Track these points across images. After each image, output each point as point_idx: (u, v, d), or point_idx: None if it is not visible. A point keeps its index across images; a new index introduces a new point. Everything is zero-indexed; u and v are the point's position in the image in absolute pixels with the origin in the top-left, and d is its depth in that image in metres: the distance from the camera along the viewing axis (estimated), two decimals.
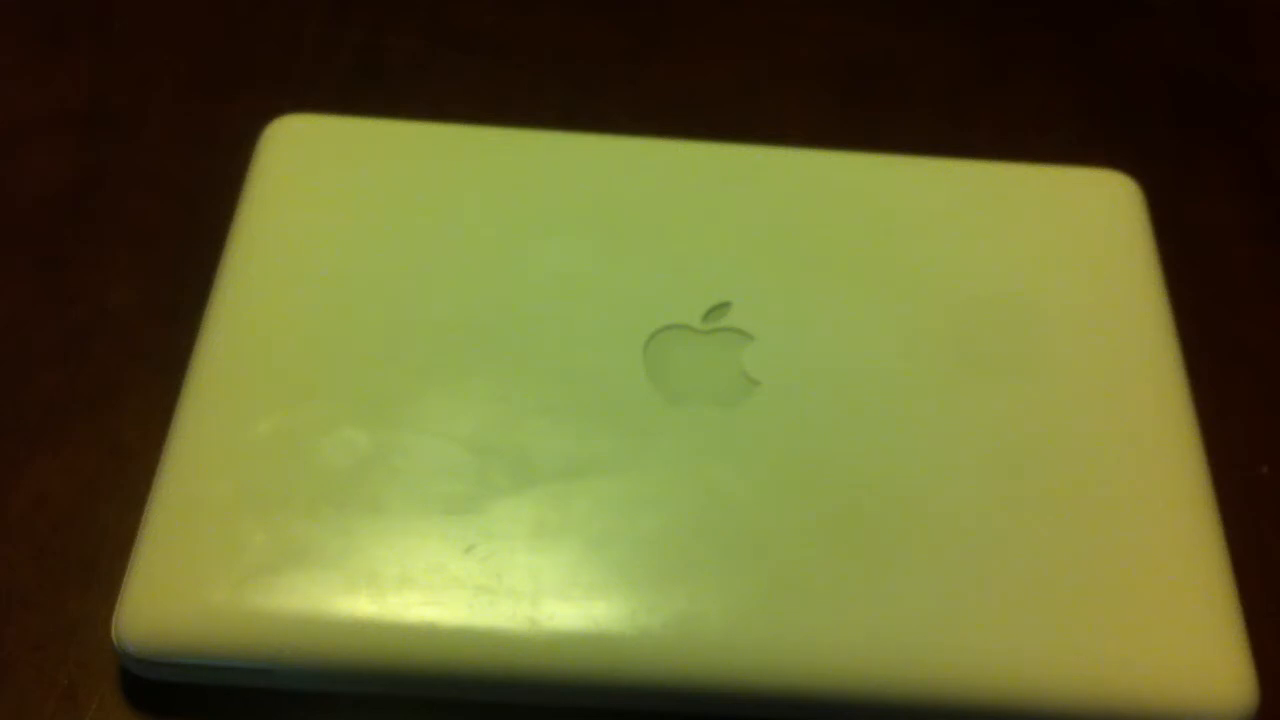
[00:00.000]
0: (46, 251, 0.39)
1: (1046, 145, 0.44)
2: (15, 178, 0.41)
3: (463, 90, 0.44)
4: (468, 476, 0.31)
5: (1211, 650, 0.30)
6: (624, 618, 0.30)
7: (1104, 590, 0.31)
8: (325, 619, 0.29)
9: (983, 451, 0.33)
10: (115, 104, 0.43)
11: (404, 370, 0.33)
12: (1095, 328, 0.35)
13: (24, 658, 0.32)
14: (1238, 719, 0.30)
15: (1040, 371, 0.34)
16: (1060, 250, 0.37)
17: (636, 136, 0.39)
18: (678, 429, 0.33)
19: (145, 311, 0.38)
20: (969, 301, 0.36)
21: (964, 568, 0.31)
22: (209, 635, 0.29)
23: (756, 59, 0.46)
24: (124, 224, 0.40)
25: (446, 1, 0.47)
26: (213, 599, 0.29)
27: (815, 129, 0.44)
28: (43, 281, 0.38)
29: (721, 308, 0.35)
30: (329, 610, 0.29)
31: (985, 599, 0.30)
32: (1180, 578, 0.31)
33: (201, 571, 0.30)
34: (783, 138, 0.40)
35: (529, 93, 0.45)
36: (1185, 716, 0.29)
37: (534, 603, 0.30)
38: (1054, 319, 0.35)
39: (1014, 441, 0.33)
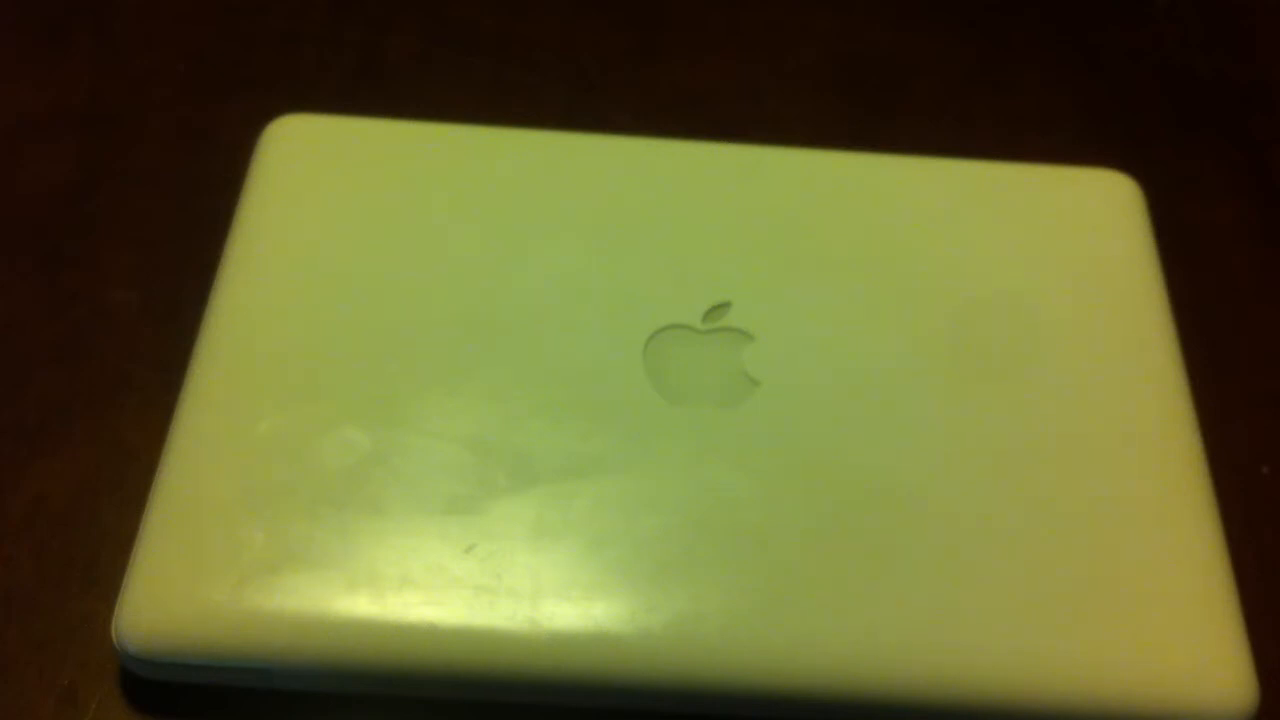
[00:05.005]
0: (46, 251, 0.39)
1: (1046, 145, 0.44)
2: (15, 178, 0.41)
3: (463, 90, 0.44)
4: (468, 476, 0.31)
5: (1211, 650, 0.30)
6: (624, 618, 0.30)
7: (1104, 590, 0.31)
8: (325, 619, 0.29)
9: (983, 451, 0.33)
10: (115, 104, 0.43)
11: (404, 370, 0.33)
12: (1095, 328, 0.35)
13: (24, 658, 0.32)
14: (1238, 719, 0.30)
15: (1040, 371, 0.34)
16: (1060, 250, 0.37)
17: (636, 136, 0.39)
18: (678, 429, 0.33)
19: (145, 311, 0.38)
20: (969, 301, 0.36)
21: (964, 568, 0.31)
22: (209, 635, 0.29)
23: (757, 59, 0.46)
24: (124, 224, 0.40)
25: (446, 1, 0.47)
26: (213, 599, 0.29)
27: (815, 129, 0.44)
28: (43, 281, 0.38)
29: (721, 308, 0.35)
30: (329, 610, 0.29)
31: (985, 599, 0.30)
32: (1180, 578, 0.31)
33: (201, 571, 0.30)
34: (783, 138, 0.40)
35: (529, 93, 0.45)
36: (1185, 716, 0.29)
37: (534, 603, 0.30)
38: (1054, 319, 0.35)
39: (1014, 441, 0.33)
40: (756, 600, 0.30)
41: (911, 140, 0.41)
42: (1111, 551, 0.31)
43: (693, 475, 0.32)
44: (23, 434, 0.35)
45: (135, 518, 0.31)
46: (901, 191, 0.38)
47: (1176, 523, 0.32)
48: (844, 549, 0.31)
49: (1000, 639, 0.30)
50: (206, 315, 0.34)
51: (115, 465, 0.35)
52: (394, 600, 0.30)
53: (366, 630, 0.29)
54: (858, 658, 0.29)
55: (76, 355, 0.37)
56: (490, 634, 0.29)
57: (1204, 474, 0.33)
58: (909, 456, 0.33)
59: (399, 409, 0.32)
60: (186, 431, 0.32)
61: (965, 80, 0.46)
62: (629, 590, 0.30)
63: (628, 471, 0.32)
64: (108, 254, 0.39)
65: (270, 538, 0.30)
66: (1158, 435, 0.33)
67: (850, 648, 0.30)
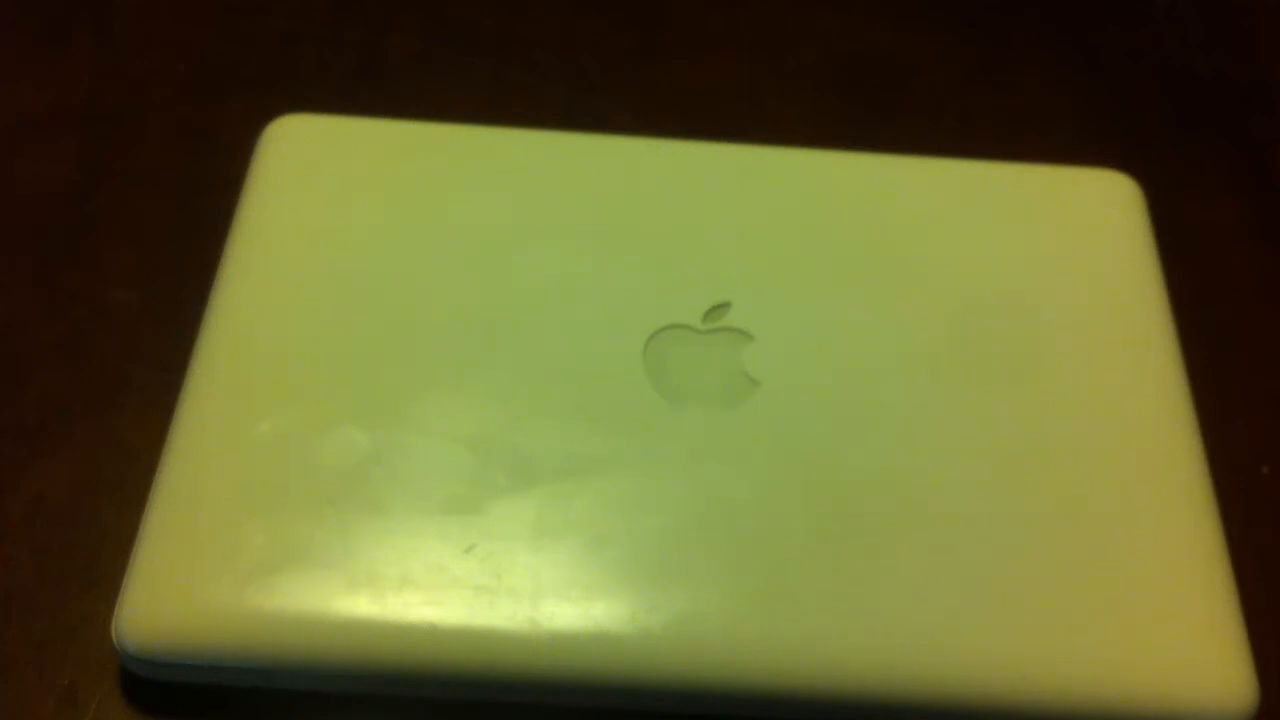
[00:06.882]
0: (46, 251, 0.39)
1: (1046, 145, 0.44)
2: (15, 178, 0.41)
3: (463, 90, 0.44)
4: (468, 476, 0.31)
5: (1211, 650, 0.30)
6: (624, 618, 0.30)
7: (1104, 590, 0.31)
8: (325, 619, 0.29)
9: (982, 451, 0.33)
10: (115, 104, 0.43)
11: (404, 370, 0.33)
12: (1095, 328, 0.35)
13: (24, 658, 0.32)
14: (1238, 719, 0.30)
15: (1040, 371, 0.34)
16: (1060, 250, 0.37)
17: (636, 136, 0.39)
18: (678, 429, 0.33)
19: (145, 311, 0.38)
20: (969, 301, 0.36)
21: (963, 568, 0.31)
22: (209, 635, 0.29)
23: (757, 59, 0.46)
24: (124, 224, 0.40)
25: (446, 1, 0.47)
26: (213, 599, 0.29)
27: (815, 129, 0.44)
28: (43, 281, 0.38)
29: (721, 308, 0.35)
30: (329, 610, 0.29)
31: (985, 599, 0.30)
32: (1180, 578, 0.31)
33: (201, 571, 0.30)
34: (783, 138, 0.40)
35: (529, 93, 0.45)
36: (1185, 716, 0.29)
37: (534, 603, 0.30)
38: (1054, 319, 0.35)
39: (1014, 441, 0.33)
40: (756, 600, 0.30)
41: (911, 140, 0.41)
42: (1111, 551, 0.31)
43: (693, 475, 0.32)
44: (23, 434, 0.35)
45: (135, 518, 0.31)
46: (901, 191, 0.38)
47: (1176, 523, 0.32)
48: (844, 549, 0.31)
49: (1000, 639, 0.30)
50: (206, 315, 0.34)
51: (115, 465, 0.35)
52: (394, 600, 0.30)
53: (366, 630, 0.29)
54: (858, 658, 0.30)
55: (76, 355, 0.37)
56: (490, 634, 0.29)
57: (1204, 474, 0.33)
58: (909, 456, 0.33)
59: (399, 409, 0.32)
60: (186, 431, 0.32)
61: (965, 80, 0.46)
62: (629, 590, 0.30)
63: (628, 471, 0.32)
64: (108, 254, 0.39)
65: (270, 538, 0.30)
66: (1158, 435, 0.33)
67: (850, 648, 0.30)
